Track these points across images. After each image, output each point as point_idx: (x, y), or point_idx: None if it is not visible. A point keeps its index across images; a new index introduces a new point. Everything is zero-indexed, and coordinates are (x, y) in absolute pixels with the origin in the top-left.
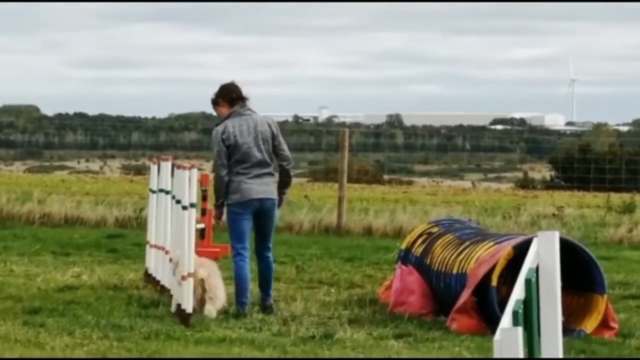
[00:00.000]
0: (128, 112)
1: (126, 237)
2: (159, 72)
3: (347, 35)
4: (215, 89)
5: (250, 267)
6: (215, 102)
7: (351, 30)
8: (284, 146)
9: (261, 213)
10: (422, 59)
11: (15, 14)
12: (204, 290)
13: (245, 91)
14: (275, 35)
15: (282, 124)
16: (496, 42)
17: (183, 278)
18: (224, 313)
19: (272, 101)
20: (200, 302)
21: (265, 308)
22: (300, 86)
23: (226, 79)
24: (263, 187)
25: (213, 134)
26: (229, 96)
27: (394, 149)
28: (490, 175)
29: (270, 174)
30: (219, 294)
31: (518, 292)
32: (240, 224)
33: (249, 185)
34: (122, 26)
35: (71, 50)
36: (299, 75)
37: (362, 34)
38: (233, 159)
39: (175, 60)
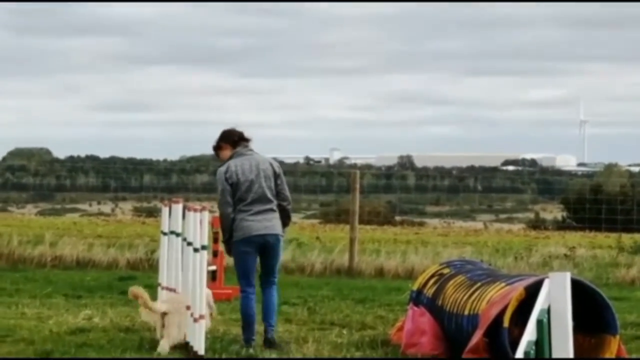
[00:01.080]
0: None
1: (138, 279)
2: (172, 114)
3: (362, 77)
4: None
5: (255, 304)
6: (218, 147)
7: (366, 72)
8: (285, 187)
9: (265, 248)
10: (436, 101)
11: (31, 56)
12: (162, 325)
13: (247, 133)
14: (290, 77)
15: (294, 166)
16: (511, 83)
17: (195, 320)
18: (235, 355)
19: (284, 143)
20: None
21: (267, 341)
22: (312, 128)
23: (239, 121)
24: (265, 223)
25: (217, 173)
26: (232, 139)
27: (405, 190)
28: (502, 216)
29: (273, 210)
30: (173, 333)
31: (530, 333)
32: (245, 262)
33: (250, 222)
34: (137, 69)
35: (86, 93)
36: (312, 117)
37: (376, 75)
38: (236, 197)
39: (188, 103)
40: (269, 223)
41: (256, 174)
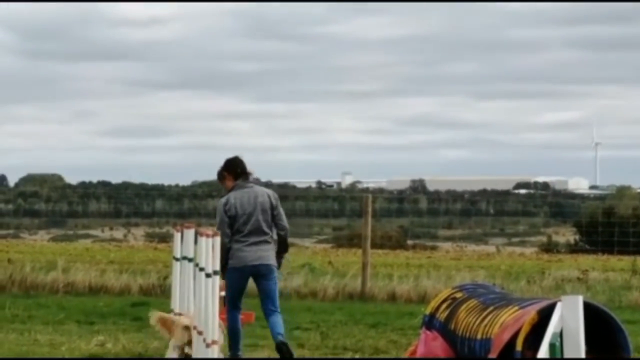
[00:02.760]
0: (151, 180)
1: (150, 304)
2: (184, 139)
3: (375, 100)
4: (243, 155)
5: (240, 322)
6: (221, 176)
7: (380, 95)
8: (283, 217)
9: (258, 277)
10: (450, 124)
11: (42, 81)
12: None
13: (248, 166)
14: (304, 101)
15: (306, 190)
16: (524, 106)
17: (207, 345)
18: None
19: (296, 167)
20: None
21: (280, 347)
22: (326, 152)
23: (251, 145)
24: (258, 254)
25: (217, 205)
26: (235, 170)
27: (417, 214)
28: (514, 240)
29: (267, 242)
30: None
31: (543, 357)
32: (237, 287)
33: (244, 253)
34: (150, 94)
35: (97, 119)
36: (325, 142)
37: (390, 99)
38: (235, 228)
39: (201, 128)
40: (263, 254)
41: (254, 207)
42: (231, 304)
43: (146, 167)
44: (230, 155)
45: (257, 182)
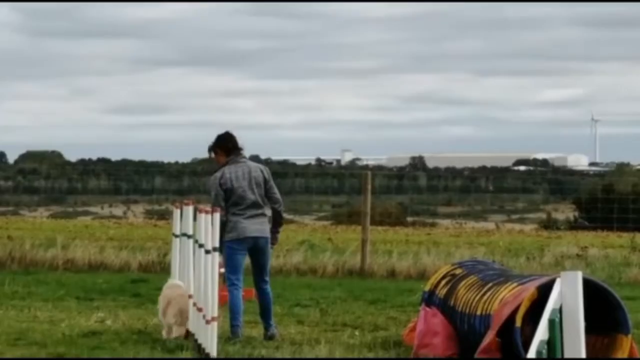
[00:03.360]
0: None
1: (150, 281)
2: (184, 117)
3: (377, 78)
4: (246, 131)
5: (242, 296)
6: (213, 151)
7: (382, 72)
8: (275, 190)
9: (256, 250)
10: (451, 101)
11: (43, 59)
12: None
13: (240, 141)
14: (305, 79)
15: (305, 167)
16: (525, 83)
17: (207, 322)
18: (248, 357)
19: (296, 144)
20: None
21: (267, 334)
22: (325, 129)
23: (252, 123)
24: (257, 226)
25: (211, 179)
26: (226, 146)
27: (417, 191)
28: (514, 217)
29: (263, 215)
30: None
31: (542, 333)
32: (236, 259)
33: (244, 224)
34: (151, 71)
35: (98, 97)
36: (325, 119)
37: (392, 76)
38: (230, 202)
39: (201, 105)
40: (260, 227)
41: (249, 181)
42: (232, 277)
43: (146, 145)
44: (232, 131)
45: (255, 160)
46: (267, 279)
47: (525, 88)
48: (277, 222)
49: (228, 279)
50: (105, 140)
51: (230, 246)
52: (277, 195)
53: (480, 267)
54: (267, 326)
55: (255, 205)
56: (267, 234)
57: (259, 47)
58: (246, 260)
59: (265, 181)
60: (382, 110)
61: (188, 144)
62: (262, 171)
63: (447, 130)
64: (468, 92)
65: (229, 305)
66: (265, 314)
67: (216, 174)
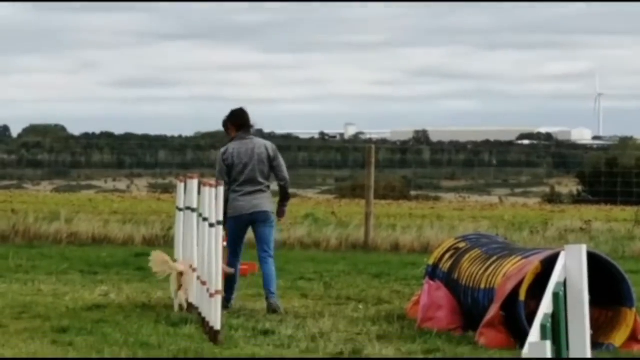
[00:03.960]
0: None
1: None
2: (190, 90)
3: (383, 51)
4: (250, 105)
5: (239, 270)
6: (225, 125)
7: (386, 46)
8: (283, 168)
9: (255, 224)
10: (456, 75)
11: (47, 32)
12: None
13: (252, 119)
14: (309, 52)
15: (309, 141)
16: (529, 57)
17: (211, 295)
18: (252, 330)
19: (300, 118)
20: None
21: (270, 306)
22: (331, 103)
23: (255, 97)
24: (253, 203)
25: (217, 155)
26: (237, 122)
27: (420, 165)
28: (517, 190)
29: (262, 191)
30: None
31: (546, 306)
32: (235, 235)
33: (240, 202)
34: (155, 45)
35: (101, 70)
36: (329, 93)
37: (396, 50)
38: (231, 177)
39: (205, 79)
40: (258, 202)
41: (250, 157)
42: (230, 252)
43: (150, 119)
44: (233, 106)
45: (258, 134)
46: (270, 251)
47: (530, 62)
48: (283, 197)
49: (228, 253)
50: (109, 114)
51: (230, 223)
52: (284, 173)
53: (484, 240)
54: (268, 295)
55: (253, 181)
56: (266, 208)
57: (264, 20)
58: (248, 235)
59: (270, 158)
60: (386, 84)
61: (192, 118)
62: (266, 149)
63: (451, 104)
64: (472, 65)
65: (225, 279)
66: (267, 283)
67: (221, 150)
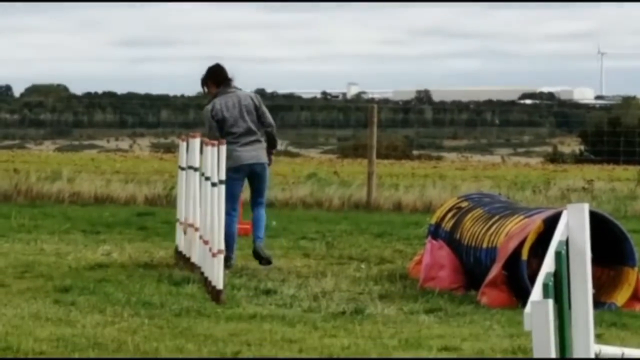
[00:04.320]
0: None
1: (156, 214)
2: (192, 50)
3: (386, 10)
4: (253, 65)
5: (237, 225)
6: (204, 83)
7: (391, 5)
8: (268, 115)
9: (253, 176)
10: (460, 34)
11: None
12: None
13: (230, 72)
14: (314, 11)
15: (311, 101)
16: (535, 16)
17: (213, 255)
18: (254, 289)
19: (302, 78)
20: None
21: (255, 252)
22: (334, 63)
23: (258, 56)
24: (252, 153)
25: (203, 112)
26: (216, 78)
27: (422, 124)
28: (520, 150)
29: (258, 141)
30: None
31: (548, 265)
32: (233, 187)
33: (239, 152)
34: (159, 4)
35: (105, 29)
36: (334, 52)
37: (402, 9)
38: (224, 131)
39: (210, 38)
40: (256, 153)
41: (239, 109)
42: (229, 205)
43: (152, 78)
44: (237, 65)
45: (260, 93)
46: (263, 200)
47: (533, 21)
48: (271, 144)
49: (225, 207)
50: (111, 74)
51: (228, 175)
52: (270, 119)
53: (486, 200)
54: (256, 239)
55: (248, 132)
56: (263, 160)
57: None
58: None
59: (256, 107)
60: (389, 43)
61: (194, 77)
62: (252, 99)
63: (454, 63)
64: (477, 25)
65: (224, 235)
66: (256, 226)
67: (207, 107)
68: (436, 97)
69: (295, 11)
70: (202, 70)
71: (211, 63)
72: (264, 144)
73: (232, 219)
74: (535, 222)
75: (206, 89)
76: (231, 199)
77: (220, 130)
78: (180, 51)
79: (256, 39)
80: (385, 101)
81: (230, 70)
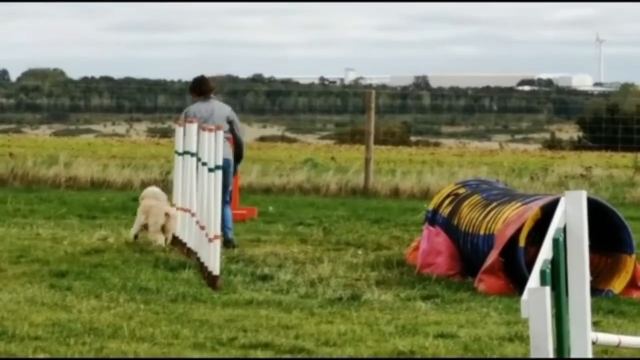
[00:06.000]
0: (154, 75)
1: None
2: (190, 35)
3: None
4: (251, 50)
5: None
6: (190, 91)
7: None
8: (239, 132)
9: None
10: (460, 20)
11: None
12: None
13: (213, 84)
14: None
15: (309, 87)
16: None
17: (210, 240)
18: (250, 275)
19: (300, 63)
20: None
21: (227, 241)
22: (332, 48)
23: (259, 41)
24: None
25: (182, 114)
26: (199, 89)
27: (420, 110)
28: (518, 136)
29: (226, 139)
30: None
31: (546, 252)
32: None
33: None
34: None
35: (101, 14)
36: (333, 38)
37: None
38: None
39: (208, 23)
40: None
41: (210, 113)
42: None
43: (149, 63)
44: (234, 51)
45: (258, 78)
46: (228, 197)
47: (533, 7)
48: (237, 157)
49: None
50: (108, 58)
51: None
52: (240, 136)
53: (483, 186)
54: (226, 230)
55: None
56: (228, 156)
57: None
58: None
59: (229, 120)
60: (389, 29)
61: (192, 62)
62: (228, 111)
63: (453, 49)
64: (476, 11)
65: None
66: (225, 221)
67: (185, 110)
68: (434, 83)
69: None
70: (200, 55)
71: (210, 48)
72: (229, 144)
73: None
74: (533, 209)
75: (192, 96)
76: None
77: None
78: (178, 36)
79: (254, 23)
80: (383, 87)
81: (254, 60)
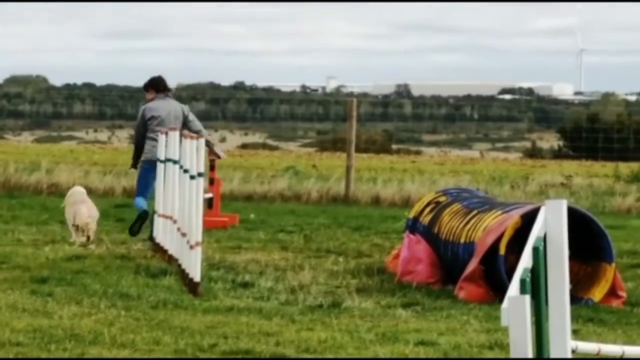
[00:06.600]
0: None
1: (134, 206)
2: (172, 42)
3: (371, 5)
4: (233, 58)
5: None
6: (146, 89)
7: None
8: (196, 122)
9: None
10: (442, 29)
11: None
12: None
13: (169, 84)
14: (298, 2)
15: (290, 94)
16: (518, 11)
17: (191, 247)
18: (231, 282)
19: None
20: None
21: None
22: (314, 56)
23: (240, 49)
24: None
25: (140, 109)
26: (158, 87)
27: (402, 118)
28: (498, 145)
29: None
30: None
31: (526, 261)
32: (146, 178)
33: (154, 148)
34: None
35: (83, 20)
36: (314, 46)
37: (387, 3)
38: (149, 129)
39: (190, 30)
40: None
41: (167, 113)
42: (141, 191)
43: (132, 70)
44: (216, 58)
45: (240, 86)
46: (148, 196)
47: (515, 17)
48: (207, 145)
49: (138, 191)
50: (90, 65)
51: (143, 166)
52: (198, 126)
53: (464, 194)
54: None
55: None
56: (158, 157)
57: None
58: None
59: (184, 116)
60: (371, 37)
61: (174, 69)
62: (182, 108)
63: (435, 58)
64: (458, 20)
65: (138, 212)
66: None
67: (142, 107)
68: (416, 92)
69: (278, 5)
70: (184, 62)
71: (192, 55)
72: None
73: (142, 202)
74: (513, 218)
75: (147, 94)
76: (144, 188)
77: (145, 127)
78: (160, 43)
79: (236, 31)
80: (365, 95)
81: (237, 67)
